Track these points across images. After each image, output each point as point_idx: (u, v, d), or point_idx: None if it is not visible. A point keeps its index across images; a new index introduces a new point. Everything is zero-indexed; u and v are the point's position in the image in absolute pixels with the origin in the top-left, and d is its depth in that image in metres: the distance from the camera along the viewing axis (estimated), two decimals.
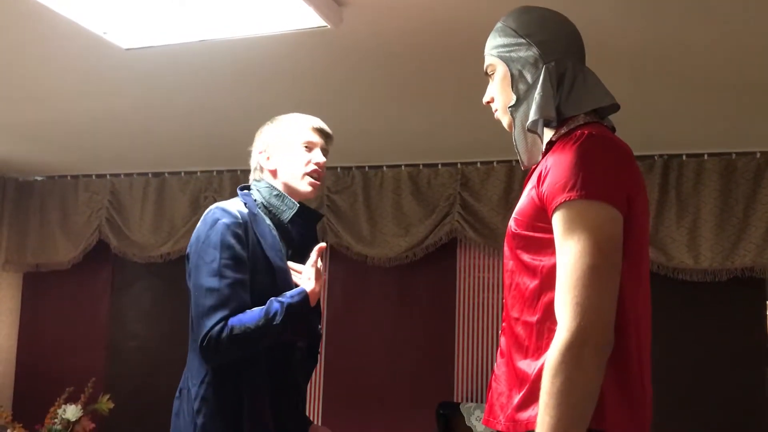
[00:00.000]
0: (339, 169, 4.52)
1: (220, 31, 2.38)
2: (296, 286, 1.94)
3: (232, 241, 1.83)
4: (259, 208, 1.98)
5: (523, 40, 1.48)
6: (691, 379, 3.89)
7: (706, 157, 3.88)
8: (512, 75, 1.48)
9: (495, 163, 4.22)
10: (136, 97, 3.29)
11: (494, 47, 1.53)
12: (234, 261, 1.83)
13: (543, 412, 1.23)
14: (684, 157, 3.92)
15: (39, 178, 5.18)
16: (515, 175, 4.16)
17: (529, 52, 1.46)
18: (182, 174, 4.81)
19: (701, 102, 3.12)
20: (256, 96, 3.20)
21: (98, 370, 4.85)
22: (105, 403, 4.36)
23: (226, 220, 1.86)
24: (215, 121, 3.66)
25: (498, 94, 1.54)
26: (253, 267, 1.87)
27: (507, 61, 1.49)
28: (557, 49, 1.46)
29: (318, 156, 2.02)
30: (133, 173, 4.92)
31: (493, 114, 1.58)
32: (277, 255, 1.92)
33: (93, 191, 4.98)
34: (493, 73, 1.54)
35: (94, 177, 5.01)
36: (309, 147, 2.02)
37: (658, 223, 3.88)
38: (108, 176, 4.97)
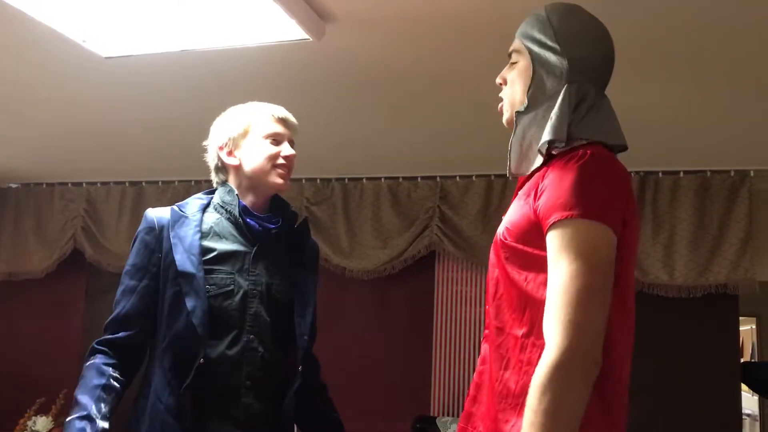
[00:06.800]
0: (318, 181, 4.51)
1: (202, 41, 2.37)
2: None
3: (137, 247, 1.86)
4: (215, 209, 1.88)
5: (557, 47, 1.42)
6: (664, 394, 3.91)
7: (681, 174, 3.93)
8: (534, 74, 1.44)
9: (474, 177, 4.22)
10: (115, 105, 3.27)
11: (528, 36, 1.46)
12: (132, 267, 1.86)
13: (529, 430, 1.21)
14: (660, 174, 3.96)
15: (14, 185, 5.11)
16: (494, 190, 4.16)
17: (558, 62, 1.42)
18: (160, 183, 4.77)
19: (678, 120, 3.17)
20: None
21: (70, 381, 4.71)
22: None
23: (141, 226, 1.87)
24: (194, 131, 3.60)
25: (512, 85, 1.49)
26: (165, 275, 1.80)
27: (535, 57, 1.44)
28: (585, 71, 1.42)
29: (287, 149, 1.87)
30: (110, 182, 4.87)
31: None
32: (188, 259, 1.77)
33: (69, 199, 4.93)
34: (516, 61, 1.48)
35: (70, 185, 4.96)
36: (276, 140, 1.87)
37: None
38: (84, 184, 4.92)
